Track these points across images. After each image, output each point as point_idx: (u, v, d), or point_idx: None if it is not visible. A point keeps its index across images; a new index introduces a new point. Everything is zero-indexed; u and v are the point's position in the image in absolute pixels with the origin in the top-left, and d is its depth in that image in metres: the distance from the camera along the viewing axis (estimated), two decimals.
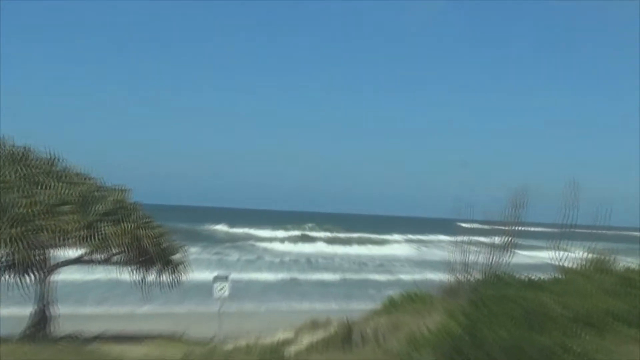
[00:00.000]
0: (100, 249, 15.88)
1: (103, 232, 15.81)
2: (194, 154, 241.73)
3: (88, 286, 39.02)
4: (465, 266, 20.42)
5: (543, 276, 20.19)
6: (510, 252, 20.63)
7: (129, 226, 16.22)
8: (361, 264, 65.91)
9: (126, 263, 17.17)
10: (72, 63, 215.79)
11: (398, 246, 74.41)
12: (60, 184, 16.45)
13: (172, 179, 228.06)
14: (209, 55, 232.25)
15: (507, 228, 20.78)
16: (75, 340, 16.54)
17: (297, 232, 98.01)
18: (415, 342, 17.46)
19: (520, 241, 21.68)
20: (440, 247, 76.70)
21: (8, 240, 14.95)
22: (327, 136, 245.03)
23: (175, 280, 17.61)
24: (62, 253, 16.27)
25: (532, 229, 24.38)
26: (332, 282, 51.34)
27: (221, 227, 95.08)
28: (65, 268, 16.81)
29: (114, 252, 16.39)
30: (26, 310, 16.69)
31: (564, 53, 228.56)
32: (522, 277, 19.48)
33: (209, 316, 23.90)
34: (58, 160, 17.28)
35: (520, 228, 20.88)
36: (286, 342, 23.40)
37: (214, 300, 21.74)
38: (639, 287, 16.18)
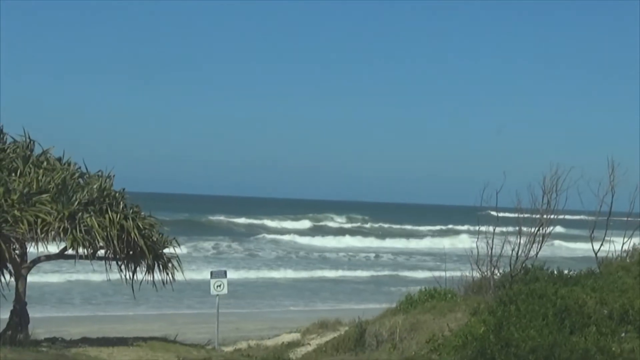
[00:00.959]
0: (83, 242, 15.86)
1: (87, 223, 15.81)
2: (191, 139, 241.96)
3: (72, 286, 39.31)
4: (491, 259, 20.43)
5: (577, 269, 20.20)
6: (541, 243, 20.62)
7: (115, 217, 16.21)
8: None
9: (112, 258, 17.17)
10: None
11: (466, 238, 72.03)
12: (40, 170, 16.43)
13: (164, 165, 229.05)
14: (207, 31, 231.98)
15: (538, 216, 20.76)
16: (58, 343, 16.59)
17: (334, 224, 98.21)
18: (435, 343, 17.52)
19: (552, 230, 21.67)
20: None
21: None
22: (326, 102, 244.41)
23: (169, 276, 17.59)
24: (42, 247, 16.24)
25: (566, 217, 24.38)
26: None
27: (231, 218, 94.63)
28: (48, 267, 16.84)
29: (99, 245, 16.39)
30: (3, 312, 16.75)
31: None
32: (554, 270, 19.50)
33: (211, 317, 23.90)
34: (35, 144, 17.26)
35: (552, 216, 20.87)
36: (292, 344, 23.50)
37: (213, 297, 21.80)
38: None
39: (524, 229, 20.54)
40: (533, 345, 13.85)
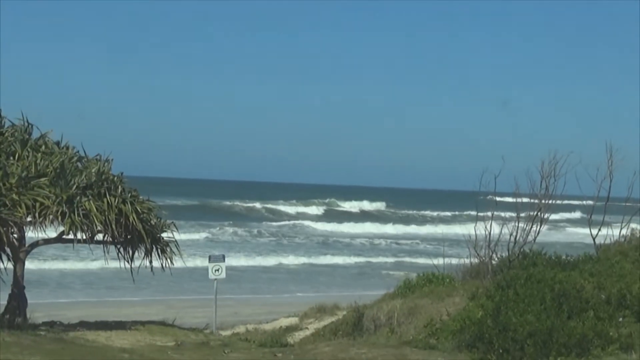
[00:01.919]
0: (82, 226, 15.85)
1: (85, 207, 15.79)
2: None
3: (70, 271, 39.34)
4: (489, 244, 20.44)
5: (575, 254, 20.20)
6: (539, 227, 20.63)
7: (114, 200, 16.19)
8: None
9: (110, 242, 17.16)
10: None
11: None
12: (38, 154, 16.40)
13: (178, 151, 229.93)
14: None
15: (536, 201, 20.77)
16: (56, 326, 16.59)
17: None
18: (433, 327, 17.55)
19: (550, 215, 21.68)
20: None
21: None
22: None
23: (167, 261, 17.59)
24: (40, 232, 16.22)
25: (565, 202, 24.38)
26: None
27: (253, 204, 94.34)
28: (49, 253, 16.82)
29: (97, 229, 16.37)
30: (2, 296, 16.75)
31: None
32: (552, 255, 19.51)
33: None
34: (34, 127, 17.22)
35: (550, 201, 20.87)
36: (290, 329, 23.56)
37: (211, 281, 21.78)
38: None
39: (522, 214, 20.56)
40: (531, 330, 13.88)
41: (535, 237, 20.29)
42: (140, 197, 17.14)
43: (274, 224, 76.76)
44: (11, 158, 16.12)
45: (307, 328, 23.54)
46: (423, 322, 18.12)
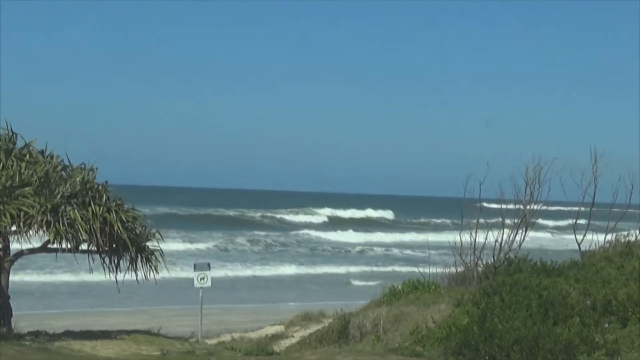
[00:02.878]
0: (66, 235, 15.78)
1: (69, 216, 15.73)
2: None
3: (56, 281, 39.17)
4: (474, 250, 20.47)
5: (560, 260, 20.24)
6: (524, 234, 20.67)
7: (98, 209, 16.13)
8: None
9: (95, 251, 17.09)
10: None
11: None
12: (22, 163, 16.33)
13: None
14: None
15: (521, 207, 20.81)
16: (42, 336, 16.50)
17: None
18: (419, 335, 17.56)
19: (535, 221, 21.71)
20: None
21: None
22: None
23: (152, 270, 17.52)
24: (24, 241, 16.16)
25: (549, 208, 24.41)
26: None
27: (246, 212, 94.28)
28: (34, 264, 16.73)
29: (82, 238, 16.30)
30: None
31: None
32: (537, 261, 19.55)
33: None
34: (18, 136, 17.14)
35: (535, 207, 20.92)
36: (276, 337, 23.53)
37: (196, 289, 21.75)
38: None
39: (508, 220, 20.62)
40: (517, 336, 13.90)
41: (521, 244, 20.35)
42: (125, 206, 17.08)
43: (273, 233, 76.67)
44: None
45: (292, 336, 23.52)
46: (409, 329, 18.13)
